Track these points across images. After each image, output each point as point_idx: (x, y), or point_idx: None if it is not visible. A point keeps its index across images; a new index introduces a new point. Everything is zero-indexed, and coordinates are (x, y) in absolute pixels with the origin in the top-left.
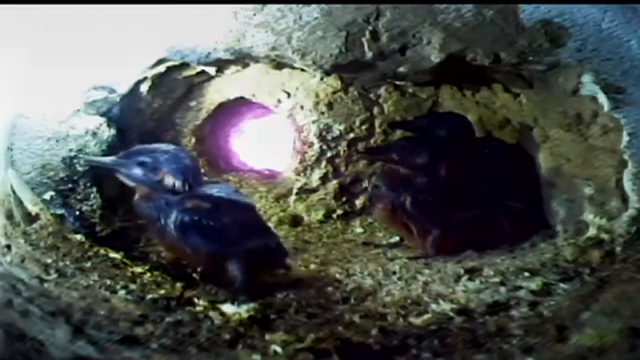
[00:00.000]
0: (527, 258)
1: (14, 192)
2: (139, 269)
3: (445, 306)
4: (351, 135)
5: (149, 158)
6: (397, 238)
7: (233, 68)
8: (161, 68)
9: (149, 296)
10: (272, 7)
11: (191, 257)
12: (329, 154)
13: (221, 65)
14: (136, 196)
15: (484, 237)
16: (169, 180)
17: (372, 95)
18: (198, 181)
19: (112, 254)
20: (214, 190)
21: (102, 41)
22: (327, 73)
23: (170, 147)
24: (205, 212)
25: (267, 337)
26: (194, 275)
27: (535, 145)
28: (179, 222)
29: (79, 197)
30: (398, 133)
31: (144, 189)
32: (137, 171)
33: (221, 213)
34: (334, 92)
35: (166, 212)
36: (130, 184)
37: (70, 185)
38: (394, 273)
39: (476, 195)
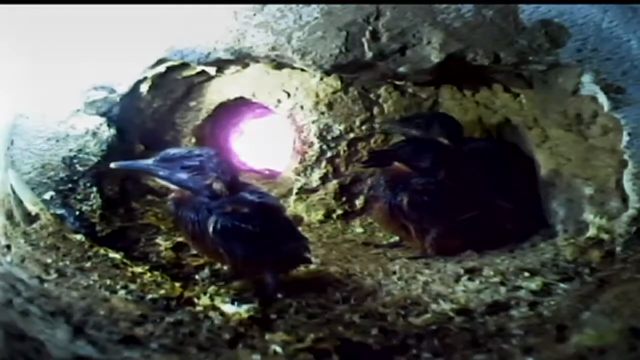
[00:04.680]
0: (527, 258)
1: (14, 192)
2: (139, 269)
3: (445, 306)
4: (351, 135)
5: (194, 162)
6: (397, 238)
7: (233, 68)
8: (161, 68)
9: (149, 296)
10: (272, 7)
11: (229, 261)
12: (329, 154)
13: (221, 65)
14: (170, 197)
15: (484, 237)
16: (217, 185)
17: (372, 95)
18: (237, 185)
19: (112, 254)
20: (250, 195)
21: (102, 41)
22: (327, 73)
23: (210, 150)
24: (244, 217)
25: (267, 337)
26: (196, 276)
27: (520, 140)
28: (219, 226)
29: (79, 197)
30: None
31: (184, 191)
32: (183, 175)
33: (259, 217)
34: (334, 92)
35: (205, 215)
36: (171, 186)
37: (70, 185)
38: (394, 273)
39: (475, 195)
